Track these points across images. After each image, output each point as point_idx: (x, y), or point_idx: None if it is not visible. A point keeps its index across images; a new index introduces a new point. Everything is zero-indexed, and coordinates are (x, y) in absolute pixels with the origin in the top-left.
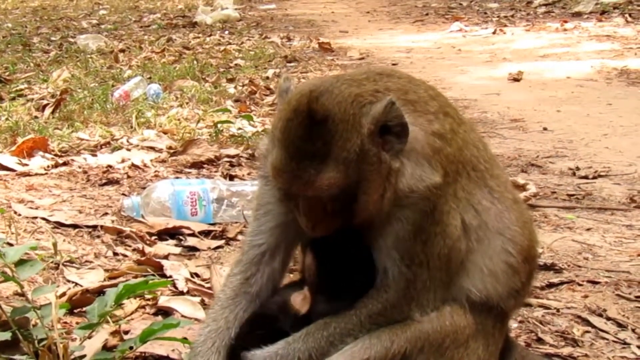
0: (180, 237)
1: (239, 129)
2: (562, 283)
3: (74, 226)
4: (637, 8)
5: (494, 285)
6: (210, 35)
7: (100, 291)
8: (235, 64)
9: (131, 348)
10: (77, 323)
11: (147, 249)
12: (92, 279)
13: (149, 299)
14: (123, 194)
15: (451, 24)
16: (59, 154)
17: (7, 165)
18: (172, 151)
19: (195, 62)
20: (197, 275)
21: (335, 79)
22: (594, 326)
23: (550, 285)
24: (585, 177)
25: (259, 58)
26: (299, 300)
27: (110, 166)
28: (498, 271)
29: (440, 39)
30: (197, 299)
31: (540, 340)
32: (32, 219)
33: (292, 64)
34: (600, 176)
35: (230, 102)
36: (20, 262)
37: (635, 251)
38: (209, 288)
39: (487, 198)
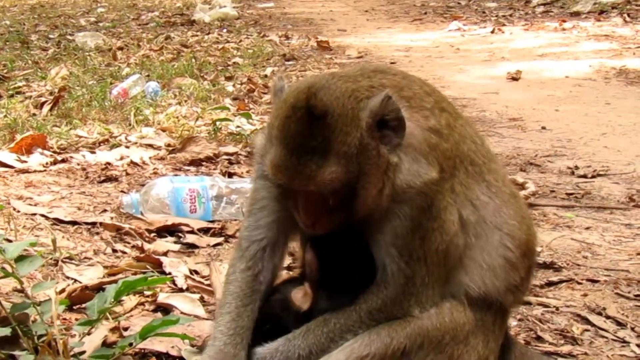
0: (180, 234)
1: (238, 126)
2: (561, 281)
3: (73, 223)
4: (636, 8)
5: (493, 280)
6: (209, 34)
7: (99, 288)
8: (234, 62)
9: (131, 344)
10: (76, 319)
11: (146, 246)
12: (91, 275)
13: (148, 296)
14: (122, 191)
15: (450, 23)
16: (57, 151)
17: (6, 162)
18: (170, 149)
19: (193, 60)
20: (196, 272)
21: (330, 75)
22: (593, 324)
23: (550, 284)
24: (584, 176)
25: (257, 56)
26: (300, 297)
27: (109, 163)
28: (496, 266)
29: (438, 38)
30: (197, 296)
31: (539, 339)
32: (31, 216)
33: (290, 63)
34: (599, 175)
35: (229, 100)
36: (20, 258)
37: (634, 250)
38: (209, 285)
39: (485, 193)
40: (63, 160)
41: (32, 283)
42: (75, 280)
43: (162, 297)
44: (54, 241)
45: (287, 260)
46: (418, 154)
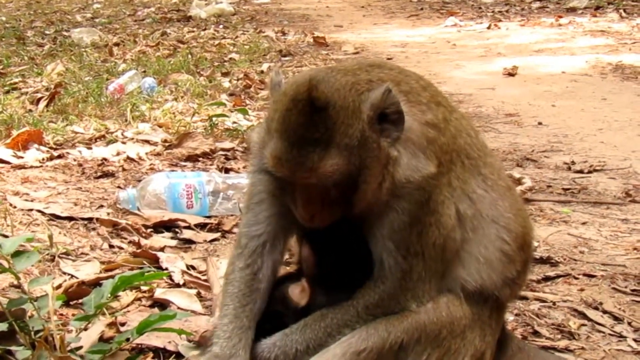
0: (176, 229)
1: (234, 122)
2: (558, 276)
3: (70, 218)
4: (632, 3)
5: (489, 274)
6: (205, 29)
7: (96, 283)
8: (230, 58)
9: (128, 340)
10: (73, 315)
11: (143, 242)
12: (87, 271)
13: (145, 291)
14: (118, 187)
15: (446, 18)
16: (54, 146)
17: (3, 157)
18: (167, 144)
19: (189, 56)
20: (193, 267)
21: (329, 69)
22: (590, 319)
23: (547, 279)
24: (581, 172)
25: (254, 52)
26: (298, 293)
27: (105, 159)
28: (493, 260)
29: (435, 34)
30: (193, 292)
31: (536, 333)
32: (28, 211)
33: (286, 58)
34: (595, 170)
35: (225, 96)
36: (17, 254)
37: (631, 245)
38: (205, 280)
39: (481, 186)
40: (59, 156)
41: (28, 278)
42: (72, 276)
43: (159, 293)
44: (50, 237)
45: (285, 256)
46: (416, 149)
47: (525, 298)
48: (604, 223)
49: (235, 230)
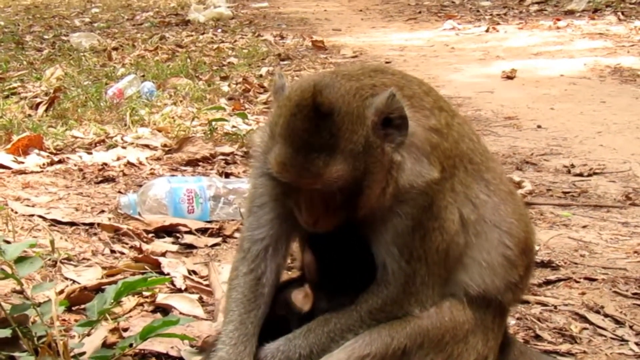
0: (178, 234)
1: (234, 126)
2: (559, 280)
3: (71, 224)
4: (630, 6)
5: (492, 278)
6: (203, 33)
7: (98, 289)
8: (229, 62)
9: (131, 345)
10: (75, 320)
11: (145, 247)
12: (90, 276)
13: (147, 297)
14: (119, 192)
15: (444, 22)
16: (54, 151)
17: (3, 163)
18: (167, 149)
19: (188, 60)
20: (194, 272)
21: (332, 74)
22: (591, 323)
23: (548, 283)
24: (580, 175)
25: (252, 56)
26: (301, 298)
27: (105, 164)
28: (496, 264)
29: (433, 37)
30: (195, 296)
31: (538, 337)
32: (29, 217)
33: (285, 62)
34: (595, 174)
35: (224, 100)
36: (20, 260)
37: (632, 248)
38: (207, 285)
39: (484, 191)
40: (60, 161)
41: (31, 284)
42: (74, 281)
43: (161, 298)
44: (52, 242)
45: (287, 261)
46: (420, 154)
47: (526, 302)
48: (604, 226)
49: (236, 235)
